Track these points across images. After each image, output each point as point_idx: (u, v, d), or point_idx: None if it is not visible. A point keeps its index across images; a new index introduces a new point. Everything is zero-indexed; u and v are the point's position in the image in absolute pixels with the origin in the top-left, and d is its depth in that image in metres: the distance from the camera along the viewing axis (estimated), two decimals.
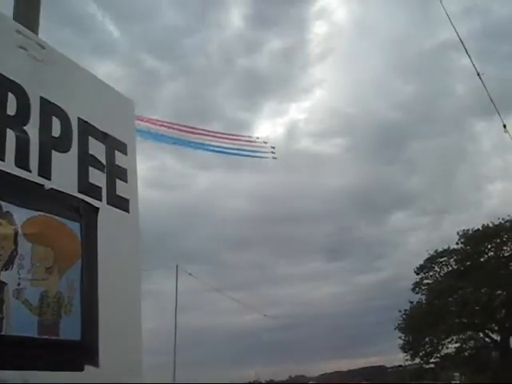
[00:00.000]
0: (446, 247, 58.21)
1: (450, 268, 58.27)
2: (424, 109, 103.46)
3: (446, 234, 63.87)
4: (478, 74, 17.27)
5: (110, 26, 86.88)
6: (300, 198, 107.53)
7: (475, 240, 56.49)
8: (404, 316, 57.51)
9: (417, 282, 59.00)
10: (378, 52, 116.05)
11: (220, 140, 38.85)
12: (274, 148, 41.46)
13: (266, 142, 41.38)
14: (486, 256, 57.00)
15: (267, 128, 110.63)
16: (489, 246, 56.92)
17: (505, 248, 56.60)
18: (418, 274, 59.17)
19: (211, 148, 39.44)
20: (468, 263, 56.61)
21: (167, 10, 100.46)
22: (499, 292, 54.78)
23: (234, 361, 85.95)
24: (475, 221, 73.48)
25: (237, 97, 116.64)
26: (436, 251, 58.37)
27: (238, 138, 40.63)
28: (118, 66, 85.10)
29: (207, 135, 38.90)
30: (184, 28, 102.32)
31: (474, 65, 16.76)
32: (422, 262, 59.10)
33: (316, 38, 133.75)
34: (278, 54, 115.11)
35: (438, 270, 58.87)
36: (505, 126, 21.10)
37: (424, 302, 57.54)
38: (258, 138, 41.65)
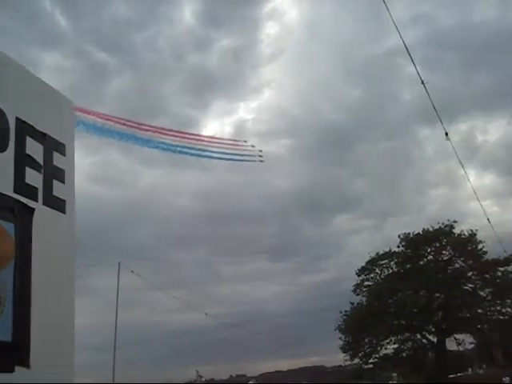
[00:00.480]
0: (387, 250, 58.68)
1: (391, 270, 58.78)
2: (371, 113, 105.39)
3: (389, 236, 65.52)
4: (423, 82, 17.68)
5: (59, 16, 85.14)
6: (246, 197, 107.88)
7: (416, 243, 57.52)
8: (344, 317, 57.75)
9: (358, 284, 59.27)
10: (327, 54, 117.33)
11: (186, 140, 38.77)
12: (261, 151, 42.00)
13: (253, 146, 41.98)
14: (426, 259, 58.13)
15: (215, 126, 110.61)
16: (428, 250, 57.95)
17: (444, 252, 57.70)
18: (359, 275, 59.45)
19: (194, 152, 39.47)
20: (408, 266, 57.45)
21: (118, 3, 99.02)
22: (437, 295, 55.65)
23: (175, 359, 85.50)
24: (417, 224, 75.24)
25: (185, 94, 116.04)
26: (377, 254, 58.80)
27: (226, 141, 41.08)
28: (65, 58, 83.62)
29: (191, 138, 39.02)
30: (134, 22, 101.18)
31: (418, 73, 17.18)
32: (363, 264, 59.40)
33: (267, 39, 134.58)
34: (229, 53, 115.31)
35: (379, 272, 59.22)
36: (446, 134, 22.34)
37: (364, 303, 57.80)
38: (245, 141, 42.24)
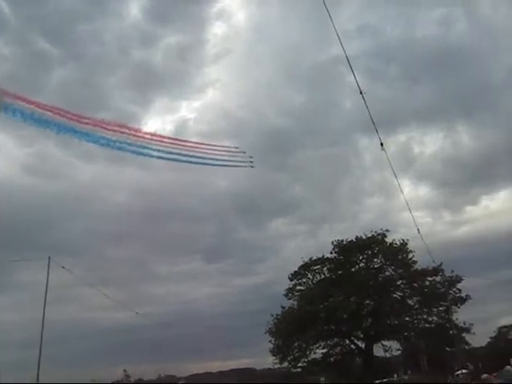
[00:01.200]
0: (320, 255, 59.35)
1: (323, 276, 59.35)
2: (313, 119, 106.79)
3: (323, 242, 66.42)
4: (361, 93, 18.06)
5: (1, 2, 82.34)
6: (185, 196, 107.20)
7: (348, 250, 58.57)
8: (275, 320, 57.94)
9: (290, 288, 59.60)
10: (273, 57, 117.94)
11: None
12: (251, 157, 41.57)
13: (244, 152, 41.28)
14: (358, 266, 59.13)
15: (156, 124, 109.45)
16: (360, 257, 58.90)
17: (375, 260, 58.93)
18: (291, 280, 59.80)
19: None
20: (340, 272, 58.43)
21: None
22: (367, 302, 57.19)
23: (104, 358, 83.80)
24: (351, 232, 77.11)
25: (128, 89, 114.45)
26: (310, 259, 59.28)
27: (215, 146, 39.96)
28: (6, 45, 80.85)
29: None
30: (80, 14, 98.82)
31: (357, 82, 17.56)
32: (296, 269, 59.80)
33: (214, 39, 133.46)
34: (174, 51, 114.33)
35: (311, 277, 59.67)
36: (382, 145, 22.51)
37: (296, 307, 58.07)
38: (236, 147, 41.55)
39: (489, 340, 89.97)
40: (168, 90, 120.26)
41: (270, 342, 58.06)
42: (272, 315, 58.28)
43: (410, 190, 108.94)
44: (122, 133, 36.65)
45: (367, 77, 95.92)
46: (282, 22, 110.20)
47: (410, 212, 34.28)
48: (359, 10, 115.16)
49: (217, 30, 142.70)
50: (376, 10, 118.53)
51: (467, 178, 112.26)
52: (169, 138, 36.51)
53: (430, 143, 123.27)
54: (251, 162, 41.59)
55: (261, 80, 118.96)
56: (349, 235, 60.81)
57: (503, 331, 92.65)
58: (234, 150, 40.39)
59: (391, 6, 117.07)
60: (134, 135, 33.75)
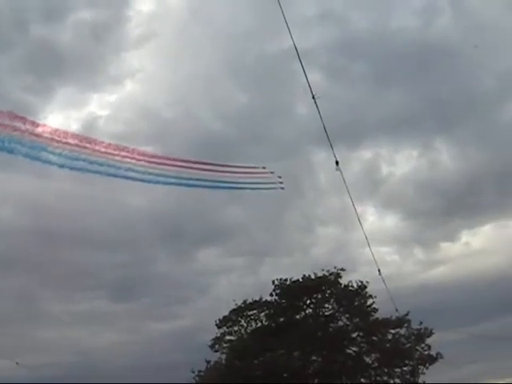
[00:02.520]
0: (258, 297, 53.29)
1: (260, 324, 53.60)
2: (257, 125, 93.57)
3: (264, 281, 56.96)
4: (313, 97, 16.46)
5: None
6: (90, 215, 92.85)
7: (293, 293, 52.63)
8: (197, 379, 51.46)
9: (217, 338, 53.19)
10: (212, 47, 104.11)
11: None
12: (280, 178, 37.73)
13: (272, 172, 37.34)
14: (304, 313, 53.33)
15: (58, 119, 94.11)
16: (308, 302, 53.21)
17: (326, 306, 53.24)
18: (219, 327, 53.45)
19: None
20: (281, 320, 52.49)
21: None
22: (314, 358, 52.17)
23: None
24: (299, 268, 67.18)
25: (24, 73, 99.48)
26: (245, 302, 53.13)
27: (240, 168, 35.85)
28: None
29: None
30: None
31: (308, 83, 16.05)
32: (227, 314, 53.35)
33: (137, 17, 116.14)
34: (87, 29, 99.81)
35: (245, 324, 53.65)
36: (337, 163, 21.14)
37: (224, 362, 52.25)
38: (264, 167, 37.56)
39: None
40: (75, 78, 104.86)
41: None
42: (193, 372, 51.27)
43: (374, 219, 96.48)
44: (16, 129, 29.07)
45: (328, 76, 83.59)
46: (225, 3, 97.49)
47: (370, 247, 31.58)
48: None
49: (142, 6, 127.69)
50: None
51: (445, 207, 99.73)
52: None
53: (401, 162, 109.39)
54: (281, 182, 37.77)
55: (195, 73, 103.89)
56: (296, 273, 54.40)
57: None
58: (260, 170, 37.23)
59: None
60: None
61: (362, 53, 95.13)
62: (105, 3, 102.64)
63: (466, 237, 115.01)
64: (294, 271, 60.76)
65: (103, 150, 29.43)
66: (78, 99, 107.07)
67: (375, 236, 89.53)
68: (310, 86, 15.92)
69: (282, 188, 38.12)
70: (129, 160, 28.56)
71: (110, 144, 28.82)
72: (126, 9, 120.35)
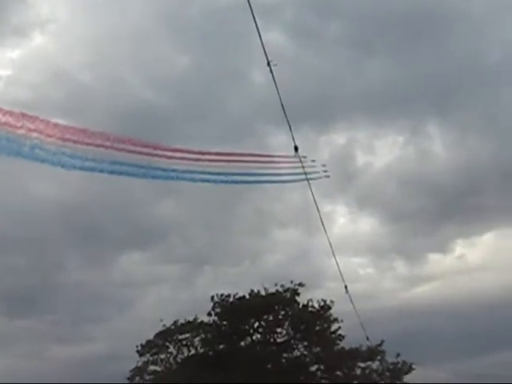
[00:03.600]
0: (192, 317, 47.25)
1: (194, 351, 47.34)
2: (202, 97, 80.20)
3: (202, 295, 48.75)
4: (269, 64, 14.52)
5: None
6: None
7: (237, 313, 46.04)
8: None
9: (138, 368, 46.77)
10: None
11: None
12: (325, 166, 34.35)
13: (313, 161, 32.51)
14: (251, 339, 46.83)
15: None
16: (256, 325, 46.65)
17: (279, 331, 46.42)
18: (141, 354, 47.09)
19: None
20: (221, 347, 46.44)
21: None
22: None
23: None
24: (247, 281, 58.87)
25: None
26: (176, 322, 46.79)
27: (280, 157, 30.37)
28: None
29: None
30: None
31: (263, 47, 14.07)
32: (152, 337, 47.04)
33: None
34: None
35: (175, 351, 47.36)
36: (296, 149, 20.70)
37: None
38: (304, 156, 30.69)
39: None
40: None
41: None
42: None
43: (346, 221, 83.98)
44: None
45: (294, 37, 71.70)
46: None
47: (335, 257, 28.16)
48: None
49: None
50: None
51: (436, 209, 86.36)
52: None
53: (382, 150, 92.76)
54: (325, 171, 34.11)
55: (122, 27, 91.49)
56: (243, 287, 48.27)
57: None
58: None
59: None
60: None
61: (340, 11, 79.19)
62: None
63: (460, 248, 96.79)
64: (241, 285, 53.78)
65: (1, 120, 26.04)
66: None
67: (347, 243, 74.39)
68: (264, 49, 14.38)
69: (328, 176, 34.13)
70: (35, 135, 22.37)
71: (10, 113, 24.23)
72: None
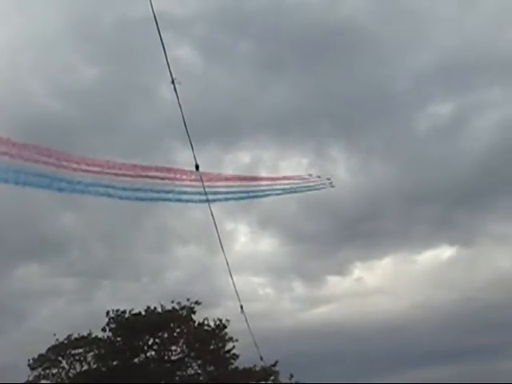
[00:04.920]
0: (86, 332, 46.77)
1: (87, 366, 46.65)
2: (109, 109, 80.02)
3: (97, 310, 48.17)
4: (173, 82, 15.10)
5: None
6: None
7: (132, 329, 45.78)
8: None
9: (29, 382, 45.71)
10: (55, 4, 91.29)
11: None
12: (329, 179, 42.71)
13: (319, 177, 41.61)
14: (145, 356, 46.62)
15: None
16: (150, 342, 46.67)
17: (174, 348, 46.73)
18: (33, 368, 46.09)
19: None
20: (115, 363, 45.84)
21: None
22: None
23: None
24: (145, 297, 58.31)
25: None
26: (69, 337, 46.46)
27: (293, 177, 40.23)
28: None
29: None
30: None
31: (168, 62, 14.63)
32: (44, 352, 46.17)
33: None
34: None
35: (67, 366, 46.62)
36: (197, 168, 20.84)
37: None
38: (310, 174, 42.10)
39: None
40: None
41: None
42: None
43: (248, 240, 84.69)
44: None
45: (203, 54, 72.28)
46: None
47: (231, 276, 26.74)
48: None
49: None
50: None
51: (336, 232, 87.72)
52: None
53: (286, 171, 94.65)
54: (331, 181, 42.60)
55: (27, 34, 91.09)
56: (141, 303, 48.03)
57: None
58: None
59: None
60: None
61: (251, 30, 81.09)
62: None
63: (359, 271, 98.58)
64: (139, 301, 52.92)
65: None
66: None
67: (247, 262, 74.27)
68: (169, 66, 14.81)
69: (333, 186, 42.26)
70: None
71: None
72: None
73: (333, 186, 42.19)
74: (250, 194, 35.61)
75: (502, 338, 68.00)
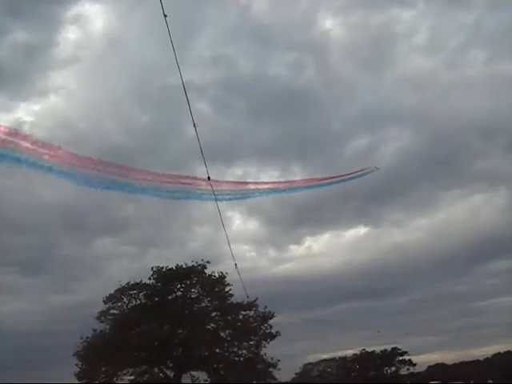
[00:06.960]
0: (139, 280, 58.83)
1: (139, 301, 58.64)
2: (155, 141, 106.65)
3: (148, 266, 66.10)
4: (194, 126, 19.96)
5: None
6: (3, 203, 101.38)
7: (167, 278, 58.61)
8: (85, 343, 55.78)
9: (103, 311, 57.94)
10: (124, 73, 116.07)
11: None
12: (376, 167, 51.96)
13: (376, 167, 51.17)
14: (175, 295, 59.20)
15: None
16: (178, 286, 59.27)
17: (193, 290, 59.65)
18: (106, 302, 58.36)
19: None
20: (156, 299, 58.11)
21: None
22: (180, 331, 57.69)
23: None
24: (177, 259, 76.68)
25: None
26: (128, 283, 58.37)
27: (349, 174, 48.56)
28: None
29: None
30: None
31: (191, 115, 19.08)
32: (112, 292, 58.65)
33: (64, 43, 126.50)
34: (21, 48, 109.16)
35: (127, 301, 58.77)
36: (209, 178, 25.98)
37: (107, 331, 56.68)
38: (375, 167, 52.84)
39: (294, 376, 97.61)
40: (7, 88, 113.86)
41: (76, 365, 55.68)
42: (81, 338, 55.97)
43: (240, 223, 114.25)
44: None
45: (214, 108, 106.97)
46: (139, 39, 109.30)
47: (229, 245, 36.73)
48: (218, 39, 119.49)
49: (70, 34, 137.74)
50: (234, 42, 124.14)
51: (295, 218, 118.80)
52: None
53: (265, 180, 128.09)
54: (376, 168, 51.88)
55: (107, 94, 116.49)
56: (175, 262, 61.26)
57: (308, 368, 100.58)
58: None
59: (249, 42, 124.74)
60: None
61: (244, 92, 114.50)
62: (38, 28, 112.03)
63: (309, 242, 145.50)
64: (174, 260, 67.68)
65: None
66: (7, 105, 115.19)
67: (239, 237, 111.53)
68: (192, 116, 18.41)
69: (378, 169, 51.64)
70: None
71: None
72: (56, 35, 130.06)
73: (378, 169, 53.79)
74: (249, 194, 42.65)
75: (391, 283, 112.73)
